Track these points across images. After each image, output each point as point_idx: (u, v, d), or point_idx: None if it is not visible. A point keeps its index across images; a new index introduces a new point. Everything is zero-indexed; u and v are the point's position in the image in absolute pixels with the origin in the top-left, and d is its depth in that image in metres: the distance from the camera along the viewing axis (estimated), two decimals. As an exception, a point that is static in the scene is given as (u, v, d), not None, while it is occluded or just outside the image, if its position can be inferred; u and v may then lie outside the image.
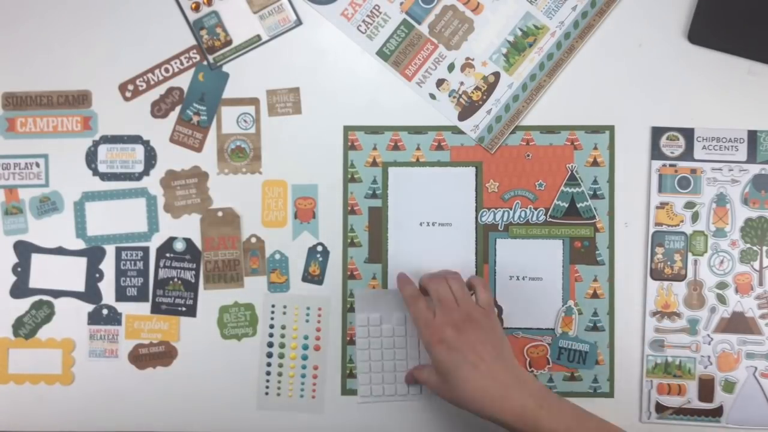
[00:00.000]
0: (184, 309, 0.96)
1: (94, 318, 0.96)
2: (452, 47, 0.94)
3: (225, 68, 0.95)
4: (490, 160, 0.94)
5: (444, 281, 0.86)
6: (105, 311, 0.96)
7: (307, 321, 0.96)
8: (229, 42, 0.94)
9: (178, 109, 0.95)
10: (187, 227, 0.96)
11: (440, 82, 0.95)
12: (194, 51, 0.95)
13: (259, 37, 0.93)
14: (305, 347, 0.96)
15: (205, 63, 0.95)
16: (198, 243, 0.96)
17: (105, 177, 0.96)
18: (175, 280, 0.96)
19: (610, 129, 0.94)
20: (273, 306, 0.96)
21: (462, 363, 0.79)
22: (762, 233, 0.93)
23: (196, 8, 0.95)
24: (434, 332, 0.81)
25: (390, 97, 0.95)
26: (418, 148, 0.95)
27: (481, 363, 0.78)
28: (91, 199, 0.96)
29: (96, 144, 0.96)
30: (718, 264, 0.93)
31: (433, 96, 0.95)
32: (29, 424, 0.97)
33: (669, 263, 0.93)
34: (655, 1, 0.93)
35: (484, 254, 0.94)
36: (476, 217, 0.94)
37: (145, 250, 0.96)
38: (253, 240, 0.96)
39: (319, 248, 0.95)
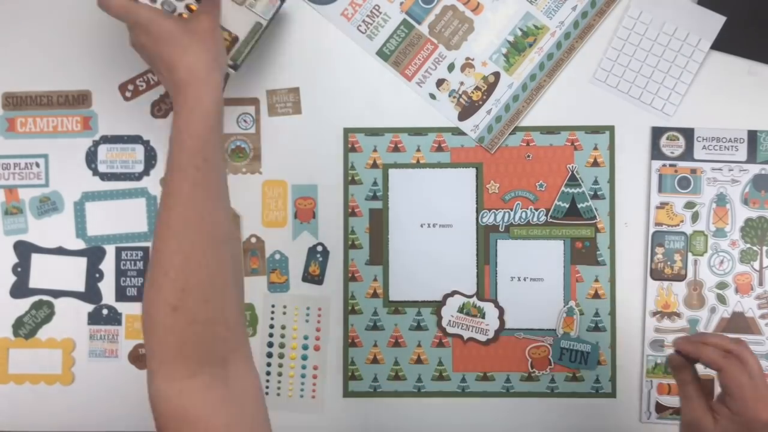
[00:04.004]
0: (184, 309, 0.95)
1: (94, 318, 0.96)
2: (452, 47, 0.94)
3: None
4: (491, 161, 0.94)
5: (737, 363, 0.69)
6: (105, 311, 0.96)
7: (307, 321, 0.96)
8: (236, 39, 0.93)
9: (178, 109, 0.95)
10: (187, 227, 0.96)
11: (440, 82, 0.94)
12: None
13: (260, 24, 0.92)
14: (305, 347, 0.96)
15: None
16: (198, 243, 0.95)
17: (105, 177, 0.96)
18: (175, 280, 0.95)
19: (610, 129, 0.94)
20: (273, 306, 0.96)
21: None
22: (762, 233, 0.93)
23: None
24: None
25: (390, 97, 0.95)
26: (418, 150, 0.94)
27: None
28: (91, 199, 0.96)
29: (96, 144, 0.96)
30: (718, 264, 0.93)
31: (433, 96, 0.95)
32: (29, 424, 0.97)
33: (669, 263, 0.93)
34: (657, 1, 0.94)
35: (485, 255, 0.94)
36: (477, 218, 0.94)
37: (145, 250, 0.96)
38: (253, 240, 0.96)
39: (319, 248, 0.95)
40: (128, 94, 0.96)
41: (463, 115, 0.94)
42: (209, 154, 0.71)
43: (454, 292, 0.94)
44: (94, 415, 0.96)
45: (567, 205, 0.94)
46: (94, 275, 0.96)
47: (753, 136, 0.93)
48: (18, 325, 0.96)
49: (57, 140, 0.96)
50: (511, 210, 0.94)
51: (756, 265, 0.93)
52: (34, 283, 0.96)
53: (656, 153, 0.93)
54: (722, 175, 0.93)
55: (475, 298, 0.94)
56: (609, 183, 0.94)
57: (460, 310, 0.94)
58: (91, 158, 0.96)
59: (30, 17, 0.96)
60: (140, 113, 0.96)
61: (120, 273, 0.96)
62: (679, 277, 0.93)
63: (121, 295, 0.96)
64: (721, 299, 0.93)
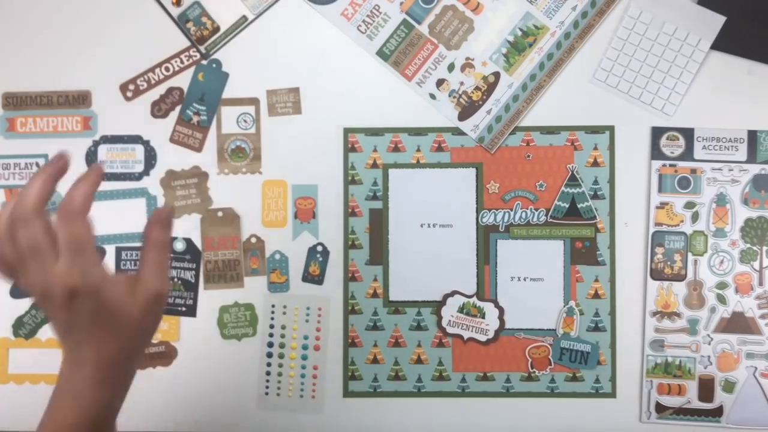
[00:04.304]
0: (184, 309, 0.96)
1: (94, 318, 0.96)
2: (452, 47, 0.94)
3: (225, 68, 0.95)
4: (491, 161, 0.94)
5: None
6: (105, 311, 0.96)
7: (307, 321, 0.96)
8: (217, 29, 0.94)
9: (178, 109, 0.95)
10: (187, 227, 0.96)
11: (440, 82, 0.94)
12: (194, 49, 0.95)
13: (245, 17, 0.92)
14: (305, 347, 0.96)
15: (204, 62, 0.95)
16: (198, 243, 0.95)
17: (105, 177, 0.96)
18: (175, 280, 0.95)
19: (610, 129, 0.94)
20: (273, 306, 0.96)
21: None
22: (762, 233, 0.93)
23: (177, 2, 0.94)
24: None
25: (390, 97, 0.95)
26: (418, 150, 0.95)
27: None
28: (91, 199, 0.96)
29: (96, 144, 0.96)
30: (718, 264, 0.93)
31: (433, 96, 0.95)
32: (29, 424, 0.96)
33: (669, 263, 0.93)
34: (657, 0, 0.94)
35: (485, 255, 0.94)
36: (477, 218, 0.94)
37: (145, 250, 0.96)
38: (253, 240, 0.96)
39: (319, 248, 0.95)
40: (129, 94, 0.96)
41: (463, 115, 0.94)
42: None
43: (454, 292, 0.95)
44: (94, 415, 0.96)
45: (567, 205, 0.94)
46: (94, 275, 0.96)
47: (753, 136, 0.93)
48: (18, 325, 0.96)
49: (57, 140, 0.96)
50: (511, 210, 0.94)
51: (756, 265, 0.93)
52: (34, 283, 0.96)
53: (656, 153, 0.93)
54: (722, 175, 0.93)
55: (475, 298, 0.94)
56: (609, 183, 0.94)
57: (460, 310, 0.94)
58: (91, 158, 0.96)
59: (30, 17, 0.96)
60: (140, 113, 0.96)
61: (120, 273, 0.96)
62: (679, 277, 0.93)
63: (121, 295, 0.96)
64: (721, 299, 0.93)
